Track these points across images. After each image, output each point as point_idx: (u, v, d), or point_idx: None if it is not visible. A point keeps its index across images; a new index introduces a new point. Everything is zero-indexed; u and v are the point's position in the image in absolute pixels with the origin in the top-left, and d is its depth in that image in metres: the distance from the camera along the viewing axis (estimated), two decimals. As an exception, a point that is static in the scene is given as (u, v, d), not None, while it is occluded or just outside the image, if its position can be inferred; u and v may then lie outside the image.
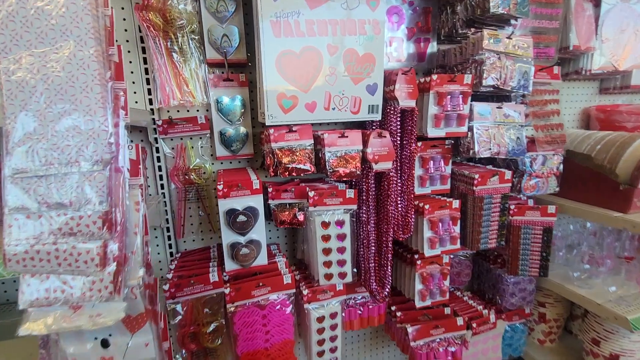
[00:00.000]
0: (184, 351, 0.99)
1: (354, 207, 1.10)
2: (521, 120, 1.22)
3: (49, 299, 0.58)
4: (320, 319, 1.19)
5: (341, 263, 1.14)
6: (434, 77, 1.11)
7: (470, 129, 1.18)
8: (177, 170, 1.19)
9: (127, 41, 1.09)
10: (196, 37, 1.06)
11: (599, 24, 1.42)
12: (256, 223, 1.02)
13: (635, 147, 1.21)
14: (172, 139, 1.19)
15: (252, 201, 1.01)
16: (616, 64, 1.47)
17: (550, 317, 1.59)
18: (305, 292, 1.16)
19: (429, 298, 1.32)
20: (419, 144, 1.23)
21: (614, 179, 1.24)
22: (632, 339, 1.32)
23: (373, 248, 1.17)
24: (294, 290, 1.11)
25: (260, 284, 1.07)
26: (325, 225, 1.10)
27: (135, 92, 1.13)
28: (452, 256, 1.40)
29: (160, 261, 1.27)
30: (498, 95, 1.28)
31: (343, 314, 1.25)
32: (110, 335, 0.66)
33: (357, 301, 1.35)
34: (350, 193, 1.09)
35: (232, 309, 1.05)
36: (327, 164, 1.04)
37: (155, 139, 1.16)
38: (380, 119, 1.12)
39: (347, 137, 1.05)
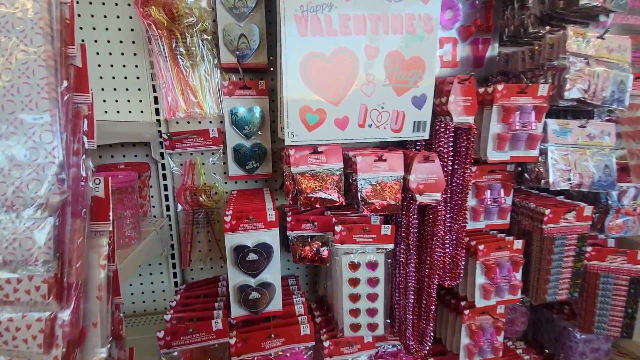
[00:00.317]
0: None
1: (390, 246, 0.89)
2: (611, 143, 0.95)
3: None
4: (344, 377, 0.98)
5: (372, 312, 0.93)
6: (500, 87, 0.87)
7: (543, 153, 0.93)
8: (184, 190, 1.03)
9: (134, 42, 0.95)
10: (208, 38, 0.89)
11: None
12: (269, 263, 0.84)
13: None
14: (180, 154, 1.04)
15: (265, 236, 0.83)
16: None
17: (629, 385, 1.28)
18: (326, 343, 0.96)
19: (478, 355, 1.08)
20: (474, 168, 0.99)
21: None
22: None
23: (412, 296, 0.95)
24: (313, 343, 0.92)
25: (273, 335, 0.88)
26: (354, 266, 0.89)
27: (140, 101, 0.99)
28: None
29: (164, 290, 1.12)
30: (574, 111, 1.02)
31: (371, 370, 1.03)
32: None
33: (387, 350, 1.13)
34: (387, 229, 0.88)
35: (238, 363, 0.87)
36: (359, 193, 0.83)
37: (162, 154, 1.01)
38: (427, 138, 0.90)
39: (385, 160, 0.84)
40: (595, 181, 0.93)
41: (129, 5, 0.93)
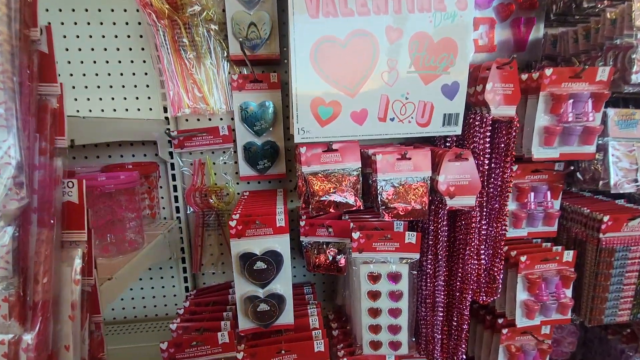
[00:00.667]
0: None
1: (416, 256, 0.79)
2: (688, 137, 0.79)
3: None
4: (363, 399, 0.89)
5: (394, 329, 0.83)
6: (548, 71, 0.74)
7: (602, 149, 0.79)
8: (194, 190, 0.98)
9: (141, 36, 0.91)
10: (215, 28, 0.83)
11: None
12: (279, 272, 0.76)
13: None
14: (190, 154, 0.98)
15: (274, 243, 0.75)
16: None
17: None
18: (343, 361, 0.87)
19: (518, 381, 0.94)
20: (515, 167, 0.86)
21: None
22: None
23: (441, 313, 0.83)
24: (327, 361, 0.83)
25: (283, 351, 0.80)
26: (374, 278, 0.79)
27: (149, 98, 0.95)
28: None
29: (175, 295, 1.08)
30: (627, 99, 0.85)
31: (394, 392, 0.93)
32: None
33: (414, 369, 1.02)
34: (411, 237, 0.77)
35: (246, 380, 0.80)
36: (379, 197, 0.73)
37: (170, 153, 0.96)
38: (459, 133, 0.78)
39: (409, 159, 0.73)
40: (668, 183, 0.77)
41: (136, -4, 0.88)
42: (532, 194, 0.87)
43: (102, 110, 0.94)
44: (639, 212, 0.82)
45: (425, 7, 0.69)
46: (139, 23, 0.90)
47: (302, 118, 0.69)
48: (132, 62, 0.93)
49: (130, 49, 0.92)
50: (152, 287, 1.07)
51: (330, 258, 0.87)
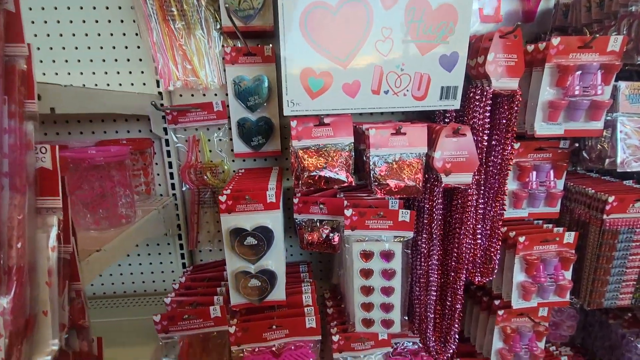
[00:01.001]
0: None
1: (409, 234, 0.77)
2: None
3: None
4: (355, 375, 0.90)
5: (386, 308, 0.82)
6: (555, 40, 0.69)
7: (610, 125, 0.74)
8: (189, 167, 0.97)
9: (132, 8, 0.88)
10: (206, -4, 0.80)
11: None
12: (270, 248, 0.75)
13: None
14: (185, 130, 0.97)
15: (265, 219, 0.74)
16: None
17: None
18: (335, 338, 0.87)
19: (513, 362, 0.94)
20: (516, 145, 0.83)
21: None
22: None
23: (434, 292, 0.82)
24: (319, 338, 0.83)
25: (275, 326, 0.81)
26: (367, 256, 0.78)
27: (142, 72, 0.93)
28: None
29: (173, 271, 1.09)
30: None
31: (386, 369, 0.93)
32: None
33: (407, 348, 1.03)
34: (405, 215, 0.75)
35: (238, 353, 0.81)
36: (372, 172, 0.71)
37: (165, 129, 0.95)
38: (458, 107, 0.75)
39: (404, 134, 0.71)
40: (680, 161, 0.73)
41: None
42: (534, 173, 0.84)
43: (96, 85, 0.93)
44: (647, 192, 0.78)
45: (424, -29, 0.64)
46: (133, -6, 0.87)
47: (292, 90, 0.67)
48: (124, 34, 0.91)
49: (122, 21, 0.90)
50: (151, 263, 1.08)
51: (324, 236, 0.86)
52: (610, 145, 0.75)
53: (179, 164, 0.99)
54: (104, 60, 0.92)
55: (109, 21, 0.90)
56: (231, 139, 0.97)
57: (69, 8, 0.88)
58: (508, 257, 0.85)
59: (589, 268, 0.84)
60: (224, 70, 0.89)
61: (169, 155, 0.97)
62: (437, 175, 0.73)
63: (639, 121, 0.73)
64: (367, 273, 0.80)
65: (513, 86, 0.71)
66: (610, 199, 0.77)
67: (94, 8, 0.89)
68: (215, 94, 0.95)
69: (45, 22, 0.89)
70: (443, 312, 0.85)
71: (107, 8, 0.89)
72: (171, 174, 0.99)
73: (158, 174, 1.01)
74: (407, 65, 0.69)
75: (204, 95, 0.95)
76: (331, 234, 0.86)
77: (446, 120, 0.81)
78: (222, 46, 0.88)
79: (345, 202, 0.81)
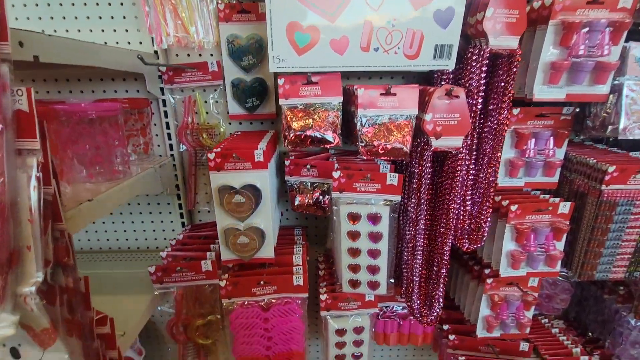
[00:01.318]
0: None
1: (397, 197, 0.77)
2: None
3: None
4: (341, 332, 0.93)
5: (373, 270, 0.84)
6: (561, -5, 0.64)
7: (617, 90, 0.70)
8: (185, 128, 0.98)
9: (126, -39, 0.87)
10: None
11: None
12: (258, 206, 0.77)
13: None
14: (182, 90, 0.98)
15: (253, 178, 0.75)
16: None
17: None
18: (323, 297, 0.90)
19: (499, 329, 0.95)
20: (516, 110, 0.80)
21: None
22: None
23: (420, 256, 0.83)
24: (306, 295, 0.86)
25: (263, 282, 0.84)
26: (354, 218, 0.79)
27: (138, 30, 0.92)
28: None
29: (174, 230, 1.14)
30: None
31: (373, 329, 0.97)
32: (19, 345, 0.51)
33: (397, 312, 1.06)
34: (393, 178, 0.75)
35: (228, 305, 0.85)
36: (359, 133, 0.71)
37: (162, 89, 0.96)
38: (452, 67, 0.72)
39: (394, 94, 0.69)
40: (689, 130, 0.69)
41: None
42: (533, 140, 0.81)
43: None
44: (651, 163, 0.75)
45: None
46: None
47: (278, 45, 0.65)
48: (119, -10, 0.90)
49: (117, -23, 0.89)
50: (152, 222, 1.13)
51: (314, 198, 0.87)
52: (615, 111, 0.71)
53: (176, 124, 1.00)
54: (100, 18, 0.92)
55: (104, -24, 0.89)
56: (227, 101, 0.97)
57: (64, -38, 0.88)
58: (499, 226, 0.84)
59: (582, 240, 0.83)
60: (216, 28, 0.87)
61: (166, 115, 0.98)
62: (427, 138, 0.72)
63: (647, 86, 0.69)
64: (354, 235, 0.81)
65: (512, 45, 0.68)
66: (611, 169, 0.74)
67: (89, -38, 0.88)
68: (212, 54, 0.94)
69: (42, -23, 0.89)
70: (429, 276, 0.86)
71: (102, -38, 0.88)
72: (169, 135, 1.00)
73: (157, 135, 1.02)
74: (399, 20, 0.66)
75: (200, 55, 0.94)
76: (321, 197, 0.87)
77: (442, 83, 0.79)
78: (217, 3, 0.86)
79: (336, 165, 0.81)
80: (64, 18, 0.92)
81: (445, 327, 1.04)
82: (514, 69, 0.69)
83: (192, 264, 0.83)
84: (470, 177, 0.78)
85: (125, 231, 1.13)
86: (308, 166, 0.81)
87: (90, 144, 0.73)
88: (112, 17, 0.92)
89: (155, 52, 0.92)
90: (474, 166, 0.78)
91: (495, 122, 0.75)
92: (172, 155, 1.02)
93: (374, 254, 0.82)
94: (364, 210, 0.79)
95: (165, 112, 0.98)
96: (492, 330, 0.94)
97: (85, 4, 0.91)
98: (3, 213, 0.42)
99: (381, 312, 1.04)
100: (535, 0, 0.71)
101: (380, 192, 0.77)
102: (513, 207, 0.79)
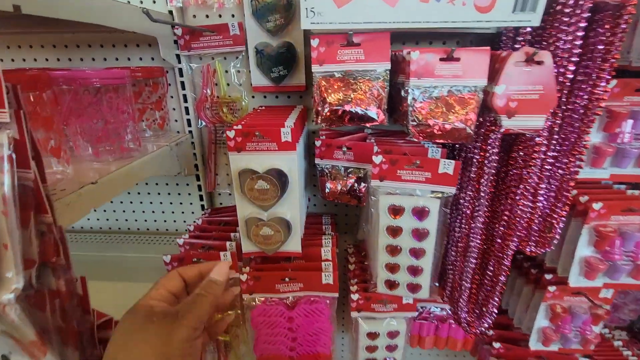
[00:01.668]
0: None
1: (451, 190, 0.63)
2: None
3: None
4: (373, 335, 0.83)
5: (414, 271, 0.72)
6: None
7: None
8: (204, 102, 0.88)
9: None
10: None
11: None
12: (284, 195, 0.66)
13: None
14: (201, 58, 0.86)
15: (279, 161, 0.64)
16: None
17: None
18: (355, 296, 0.80)
19: (557, 343, 0.82)
20: (612, 83, 0.62)
21: None
22: None
23: (473, 260, 0.70)
24: (336, 295, 0.76)
25: (288, 279, 0.74)
26: (396, 211, 0.67)
27: (152, -13, 0.81)
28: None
29: (193, 212, 1.06)
30: None
31: (408, 333, 0.86)
32: (10, 353, 0.44)
33: (435, 314, 0.94)
34: (448, 166, 0.61)
35: (250, 301, 0.77)
36: (410, 109, 0.57)
37: (177, 56, 0.85)
38: (537, 25, 0.55)
39: (457, 59, 0.54)
40: None
41: None
42: (630, 121, 0.64)
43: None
44: None
45: None
46: None
47: (313, -7, 0.52)
48: (129, -61, 0.78)
49: None
50: (171, 203, 1.05)
51: (349, 185, 0.75)
52: None
53: (194, 97, 0.89)
54: (109, -27, 0.81)
55: None
56: (249, 70, 0.85)
57: None
58: (573, 227, 0.69)
59: (683, 248, 0.66)
60: (240, -17, 0.74)
61: (183, 87, 0.88)
62: (496, 117, 0.57)
63: None
64: (395, 231, 0.69)
65: (626, -8, 0.50)
66: None
67: None
68: (233, 15, 0.82)
69: None
70: (482, 282, 0.73)
71: None
72: (187, 109, 0.90)
73: (174, 109, 0.93)
74: (473, -41, 0.50)
75: (220, 16, 0.82)
76: (357, 185, 0.75)
77: (516, 47, 0.62)
78: (239, -49, 0.73)
79: (376, 148, 0.68)
80: (71, -26, 0.81)
81: (490, 332, 0.92)
82: (623, 26, 0.52)
83: (210, 254, 0.75)
84: (545, 167, 0.63)
85: (142, 212, 1.07)
86: (344, 148, 0.68)
87: (95, 117, 0.64)
88: (123, -28, 0.80)
89: (170, 12, 0.80)
90: (551, 153, 0.63)
91: (587, 96, 0.58)
92: (190, 131, 0.92)
93: (417, 253, 0.70)
94: (408, 203, 0.66)
95: (183, 84, 0.88)
96: (550, 344, 0.81)
97: (92, -44, 0.79)
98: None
99: (417, 314, 0.93)
100: None
101: (429, 182, 0.64)
102: (596, 205, 0.64)
